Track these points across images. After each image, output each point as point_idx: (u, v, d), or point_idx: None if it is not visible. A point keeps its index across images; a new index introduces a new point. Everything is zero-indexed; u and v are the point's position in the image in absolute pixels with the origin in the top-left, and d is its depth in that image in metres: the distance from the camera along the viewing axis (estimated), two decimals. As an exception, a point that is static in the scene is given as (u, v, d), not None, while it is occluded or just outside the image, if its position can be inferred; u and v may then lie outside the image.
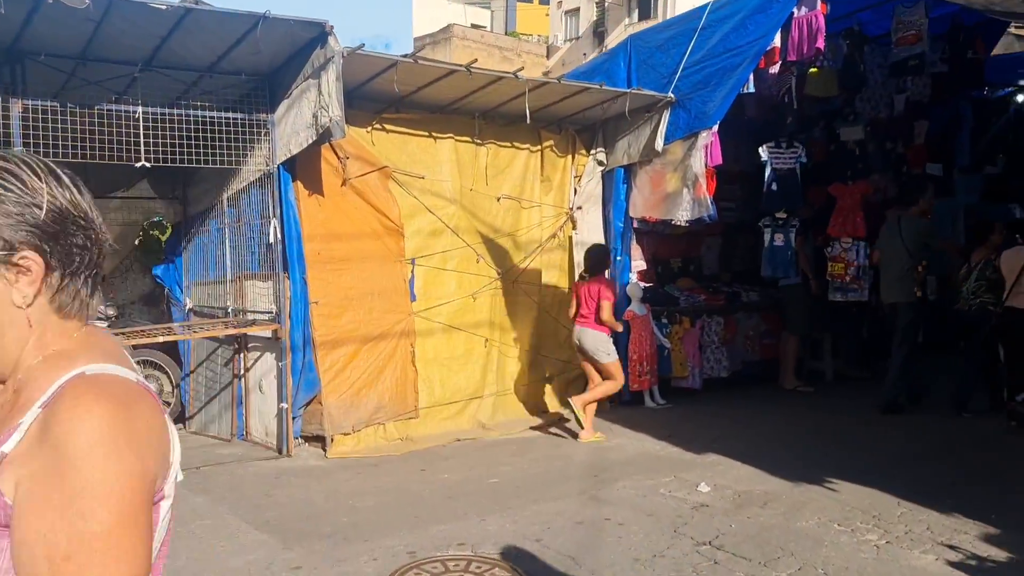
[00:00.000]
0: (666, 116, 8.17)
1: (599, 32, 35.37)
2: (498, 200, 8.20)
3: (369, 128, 7.35)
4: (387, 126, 7.48)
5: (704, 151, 7.91)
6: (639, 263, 8.93)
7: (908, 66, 8.60)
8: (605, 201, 8.84)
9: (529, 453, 6.91)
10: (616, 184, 8.71)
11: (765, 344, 9.86)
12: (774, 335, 9.86)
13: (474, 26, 38.62)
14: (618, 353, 7.43)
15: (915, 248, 7.89)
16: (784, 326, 9.62)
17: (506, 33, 39.72)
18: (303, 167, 6.86)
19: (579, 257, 8.58)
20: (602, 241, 8.60)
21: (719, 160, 7.93)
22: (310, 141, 6.43)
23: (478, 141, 8.05)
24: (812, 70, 8.80)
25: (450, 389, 7.76)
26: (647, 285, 9.05)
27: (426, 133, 7.74)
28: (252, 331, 7.13)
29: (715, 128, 7.87)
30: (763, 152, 9.18)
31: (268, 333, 6.97)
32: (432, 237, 7.72)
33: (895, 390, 8.02)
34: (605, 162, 8.81)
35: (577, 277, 7.85)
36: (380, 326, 7.26)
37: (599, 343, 7.18)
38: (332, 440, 6.90)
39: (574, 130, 8.85)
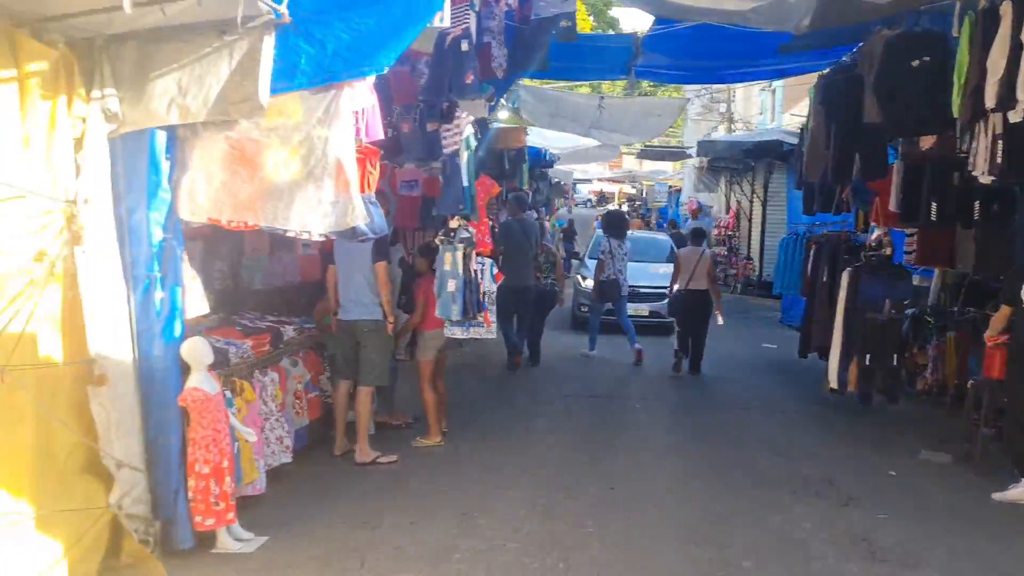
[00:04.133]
0: (269, 45, 4.57)
1: None
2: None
3: None
4: None
5: (356, 119, 4.67)
6: (198, 304, 4.97)
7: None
8: (124, 191, 4.65)
9: None
10: (151, 159, 4.64)
11: (312, 399, 6.83)
12: (316, 385, 6.94)
13: None
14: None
15: (535, 243, 10.69)
16: (339, 372, 6.81)
17: None
18: None
19: (93, 295, 4.39)
20: (117, 267, 4.57)
21: (380, 134, 4.82)
22: None
23: None
24: None
25: None
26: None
27: None
28: None
29: (371, 80, 4.71)
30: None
31: None
32: None
33: (538, 346, 10.96)
34: (120, 115, 4.61)
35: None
36: None
37: None
38: None
39: (67, 46, 4.42)
